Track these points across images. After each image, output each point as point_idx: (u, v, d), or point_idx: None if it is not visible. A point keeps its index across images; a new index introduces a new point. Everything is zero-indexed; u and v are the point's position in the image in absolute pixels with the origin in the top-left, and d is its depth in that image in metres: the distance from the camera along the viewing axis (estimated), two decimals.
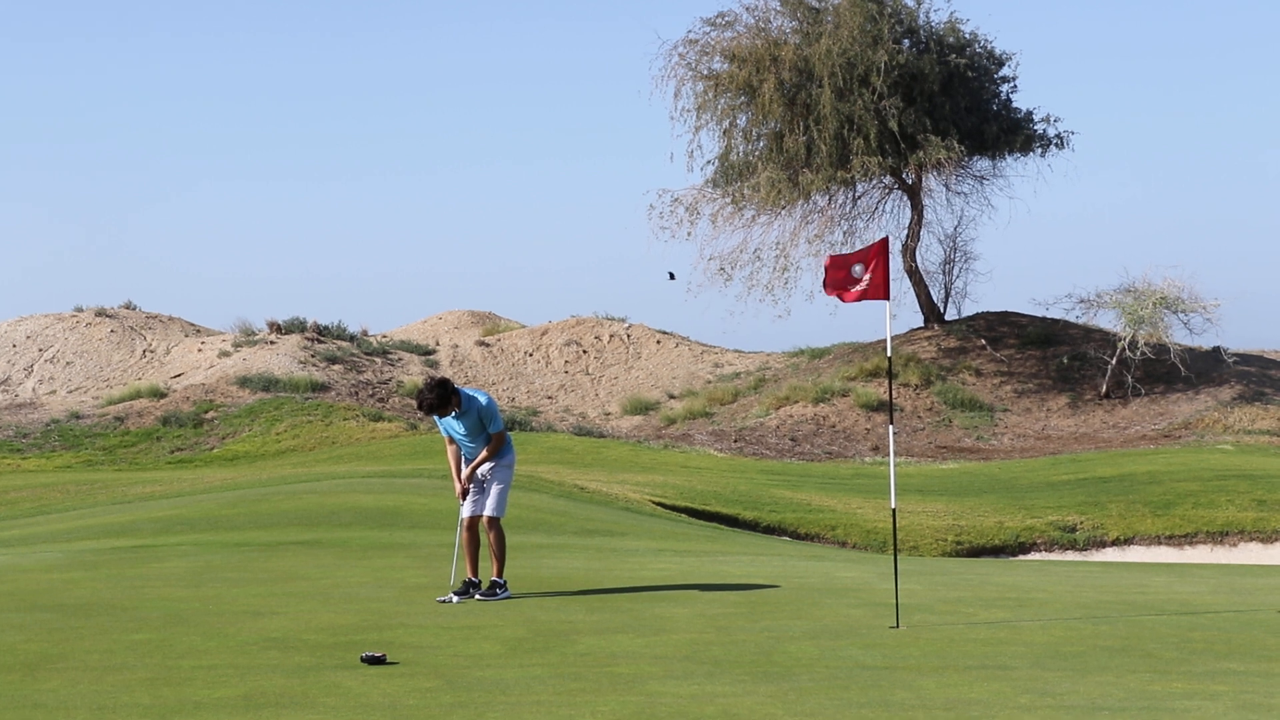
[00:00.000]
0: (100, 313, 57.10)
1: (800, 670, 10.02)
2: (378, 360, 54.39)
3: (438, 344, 57.30)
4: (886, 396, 12.25)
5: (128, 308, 58.57)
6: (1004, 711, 8.73)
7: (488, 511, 13.34)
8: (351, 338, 56.37)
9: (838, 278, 12.20)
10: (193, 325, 58.19)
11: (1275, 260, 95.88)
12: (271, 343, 54.18)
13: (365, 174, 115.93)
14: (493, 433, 13.32)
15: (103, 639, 11.18)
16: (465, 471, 13.40)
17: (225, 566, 15.42)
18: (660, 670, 9.98)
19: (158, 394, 49.54)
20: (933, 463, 40.76)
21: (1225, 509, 29.87)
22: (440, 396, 13.11)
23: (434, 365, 55.09)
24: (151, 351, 54.69)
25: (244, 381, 49.90)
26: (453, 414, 13.25)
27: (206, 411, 47.86)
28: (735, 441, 44.77)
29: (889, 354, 12.54)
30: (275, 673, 9.89)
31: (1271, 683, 9.65)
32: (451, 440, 13.43)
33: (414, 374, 53.62)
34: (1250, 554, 27.85)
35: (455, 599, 13.07)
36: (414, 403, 13.28)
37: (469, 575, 13.34)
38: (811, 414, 46.74)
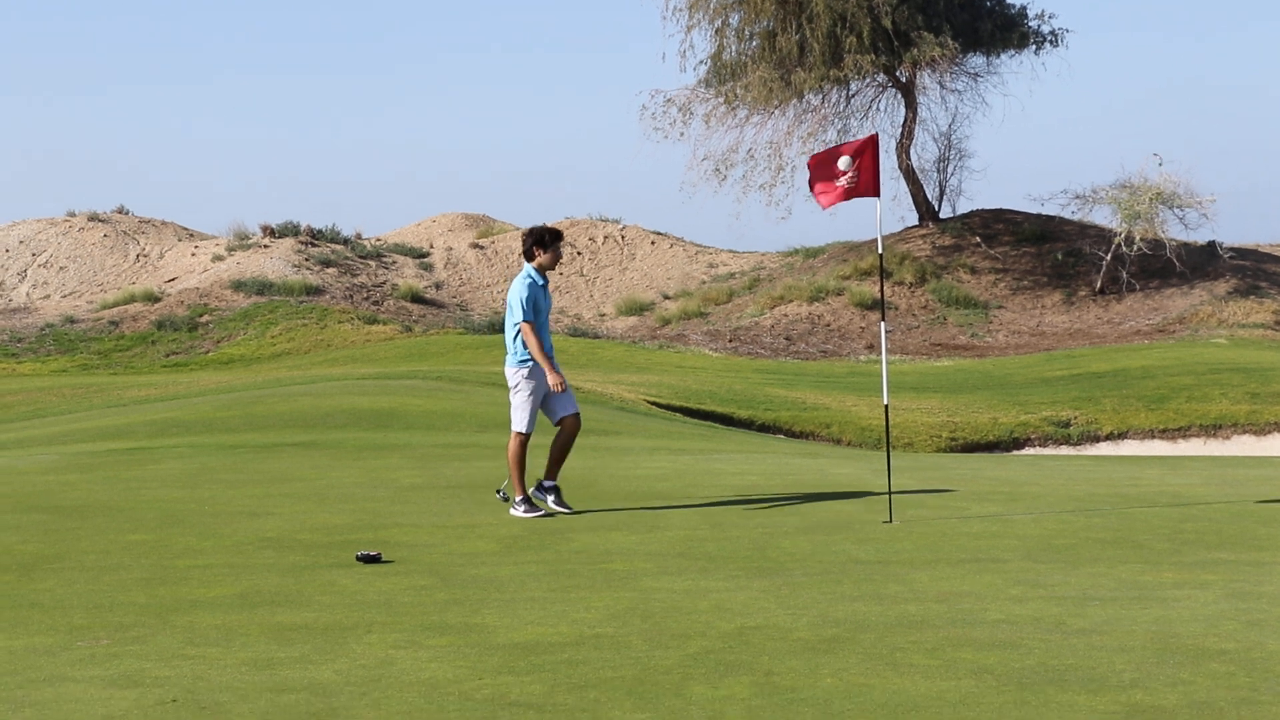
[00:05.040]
0: (93, 217, 56.88)
1: (793, 565, 10.07)
2: (372, 263, 54.27)
3: (432, 246, 57.14)
4: (880, 295, 12.31)
5: (120, 212, 58.35)
6: (996, 603, 8.79)
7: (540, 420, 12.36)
8: (345, 241, 56.21)
9: (823, 175, 12.06)
10: (186, 230, 58.00)
11: (1271, 155, 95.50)
12: (265, 246, 54.03)
13: (359, 77, 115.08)
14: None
15: (99, 540, 11.23)
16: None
17: (220, 468, 15.46)
18: (654, 566, 10.03)
19: (152, 298, 49.47)
20: (927, 360, 40.80)
21: (1219, 402, 29.95)
22: (557, 234, 12.23)
23: (428, 268, 54.99)
24: (145, 256, 54.55)
25: (238, 285, 49.81)
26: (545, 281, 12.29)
27: (201, 315, 47.82)
28: (730, 341, 44.79)
29: (880, 251, 12.49)
30: (270, 572, 9.94)
31: (1261, 571, 9.71)
32: (535, 321, 12.09)
33: (408, 277, 53.53)
34: (1243, 446, 27.96)
35: (557, 507, 12.28)
36: (530, 240, 12.16)
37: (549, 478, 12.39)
38: (806, 313, 46.72)
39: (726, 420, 27.64)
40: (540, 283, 12.23)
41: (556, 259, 12.35)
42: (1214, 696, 6.72)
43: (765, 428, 27.30)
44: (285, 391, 25.74)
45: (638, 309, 50.88)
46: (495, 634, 8.11)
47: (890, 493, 12.35)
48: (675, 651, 7.67)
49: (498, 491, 12.70)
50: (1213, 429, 28.98)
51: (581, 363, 37.04)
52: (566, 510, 12.24)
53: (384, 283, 52.57)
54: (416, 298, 51.73)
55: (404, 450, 16.84)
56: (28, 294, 51.95)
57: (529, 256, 12.28)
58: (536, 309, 12.14)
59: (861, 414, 28.15)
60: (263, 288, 49.51)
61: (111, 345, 45.91)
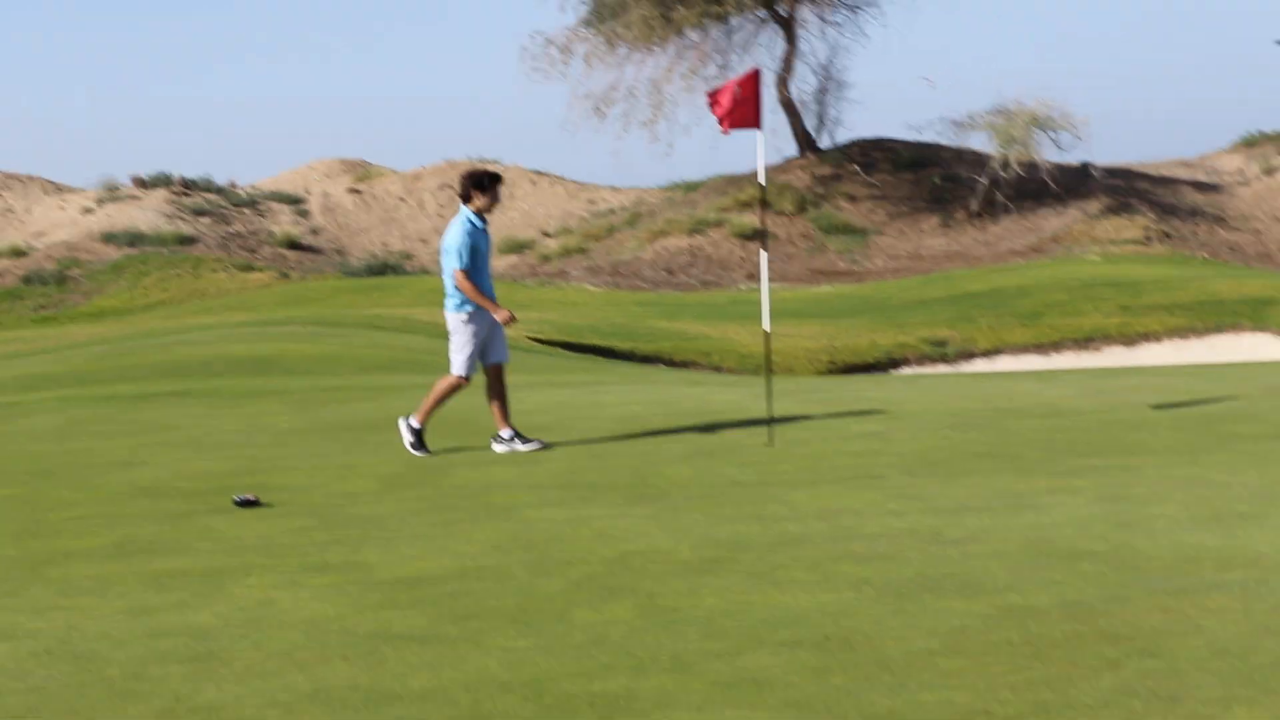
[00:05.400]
0: None
1: (675, 490, 10.12)
2: (247, 211, 53.55)
3: (308, 193, 56.48)
4: (760, 224, 12.27)
5: None
6: (875, 518, 8.89)
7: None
8: (219, 190, 55.38)
9: (718, 106, 12.12)
10: (53, 184, 56.82)
11: (1142, 76, 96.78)
12: (137, 198, 53.10)
13: (227, 22, 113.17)
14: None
15: None
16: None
17: (93, 420, 15.22)
18: (535, 498, 10.03)
19: (19, 253, 48.49)
20: (807, 287, 41.06)
21: (1091, 316, 30.46)
22: (495, 177, 12.01)
23: (305, 215, 54.37)
24: (11, 211, 53.42)
25: (109, 238, 48.95)
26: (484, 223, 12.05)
27: (70, 269, 46.96)
28: (611, 276, 44.77)
29: (762, 181, 12.51)
30: (146, 520, 9.81)
31: (1129, 475, 9.90)
32: (473, 265, 11.89)
33: (284, 224, 52.89)
34: (1115, 357, 28.46)
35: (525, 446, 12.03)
36: (468, 183, 11.94)
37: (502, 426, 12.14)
38: (687, 245, 46.80)
39: (608, 353, 27.66)
40: (480, 226, 12.02)
41: (494, 202, 12.11)
42: (1085, 595, 6.85)
43: (647, 359, 27.36)
44: (160, 341, 25.37)
45: (518, 247, 50.69)
46: (377, 570, 8.08)
47: (770, 417, 12.42)
48: (558, 579, 7.68)
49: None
50: (1085, 342, 29.47)
51: None
52: (539, 445, 12.02)
53: (259, 230, 51.92)
54: (293, 244, 51.17)
55: (282, 395, 16.67)
56: None
57: (465, 199, 12.05)
58: (475, 253, 11.94)
59: (743, 341, 28.28)
60: (135, 239, 48.69)
61: None
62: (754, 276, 43.49)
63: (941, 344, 29.20)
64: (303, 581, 7.88)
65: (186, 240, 49.29)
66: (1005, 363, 28.38)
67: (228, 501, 10.18)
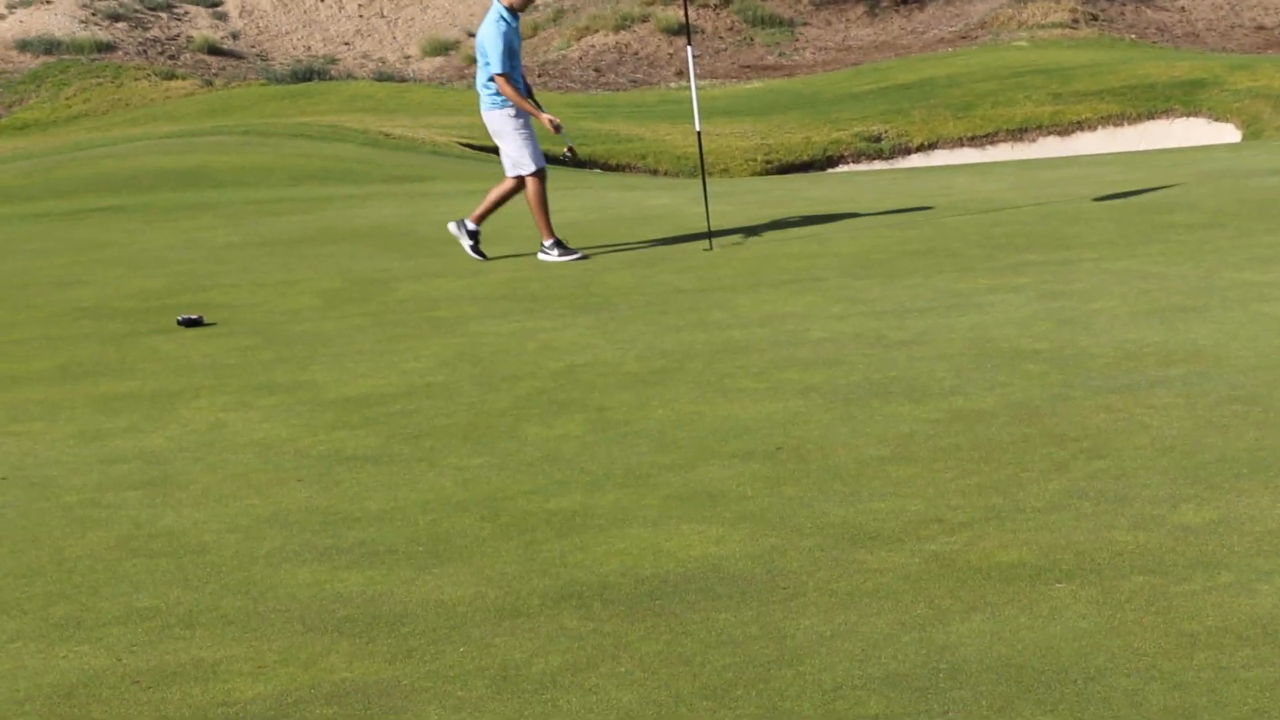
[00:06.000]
0: None
1: (618, 299, 10.14)
2: (163, 15, 52.33)
3: None
4: (684, 19, 12.22)
5: None
6: (818, 321, 8.96)
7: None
8: None
9: None
10: None
11: None
12: (48, 2, 51.76)
13: None
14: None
15: None
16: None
17: (26, 238, 15.02)
18: (480, 310, 10.03)
19: None
20: (737, 83, 40.76)
21: (1023, 105, 30.43)
22: None
23: (223, 18, 53.22)
24: None
25: (23, 45, 47.81)
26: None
27: None
28: (539, 76, 44.23)
29: None
30: (90, 341, 9.76)
31: (1069, 270, 10.00)
32: (508, 66, 11.44)
33: (203, 28, 51.77)
34: (1049, 148, 28.54)
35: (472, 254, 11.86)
36: None
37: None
38: (614, 42, 46.23)
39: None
40: (513, 24, 11.56)
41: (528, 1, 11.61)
42: (1030, 395, 6.97)
43: (581, 163, 27.16)
44: (87, 155, 24.96)
45: (442, 49, 49.90)
46: (325, 389, 8.09)
47: (708, 221, 12.39)
48: (506, 394, 7.73)
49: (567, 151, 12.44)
50: (1019, 133, 29.51)
51: (390, 108, 36.39)
52: (480, 258, 11.84)
53: (178, 35, 50.82)
54: (214, 49, 50.14)
55: (215, 209, 16.49)
56: None
57: None
58: (512, 53, 11.51)
59: (676, 142, 28.11)
60: (50, 46, 47.57)
61: None
62: (683, 74, 43.09)
63: (876, 139, 29.16)
64: (252, 402, 7.89)
65: (105, 47, 48.22)
66: (941, 157, 28.41)
67: (170, 321, 10.12)
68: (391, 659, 4.56)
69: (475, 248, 11.94)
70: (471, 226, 12.03)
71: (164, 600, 5.15)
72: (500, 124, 11.81)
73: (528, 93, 11.87)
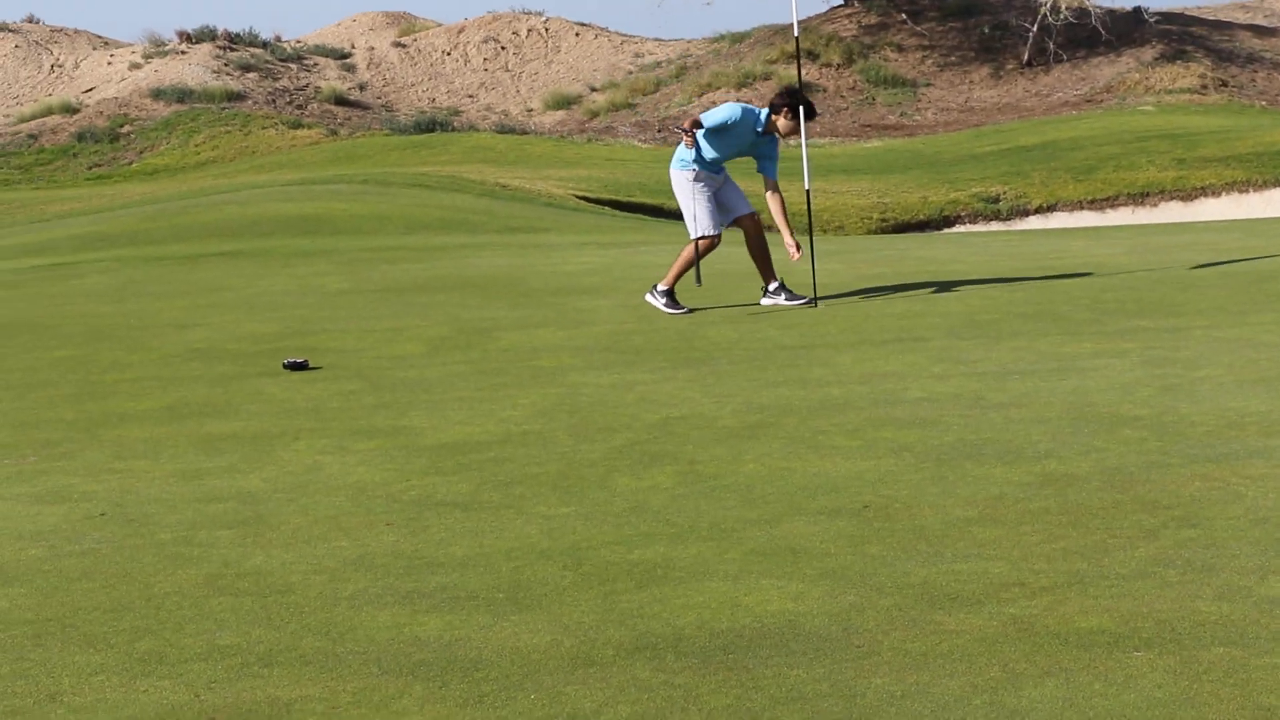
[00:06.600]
0: (2, 28, 55.51)
1: (719, 354, 10.15)
2: (293, 66, 53.32)
3: (353, 47, 56.16)
4: (799, 78, 12.18)
5: (30, 21, 56.92)
6: (918, 380, 8.91)
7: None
8: (265, 44, 55.11)
9: None
10: (100, 38, 56.69)
11: None
12: (183, 53, 52.95)
13: None
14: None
15: (25, 357, 11.18)
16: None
17: (147, 280, 15.35)
18: (581, 361, 10.09)
19: (70, 110, 48.55)
20: (857, 142, 40.73)
21: (1146, 170, 30.13)
22: (811, 110, 11.87)
23: (351, 69, 54.12)
24: (60, 66, 53.39)
25: (158, 94, 48.92)
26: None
27: (122, 126, 47.03)
28: (659, 132, 44.49)
29: (797, 34, 12.41)
30: (198, 383, 9.94)
31: (1177, 337, 9.87)
32: (717, 149, 11.79)
33: (331, 79, 52.68)
34: (1171, 213, 28.21)
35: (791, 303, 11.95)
36: (790, 101, 11.69)
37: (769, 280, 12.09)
38: (734, 99, 46.37)
39: (656, 211, 27.59)
40: (758, 132, 11.67)
41: (790, 134, 11.81)
42: (1125, 462, 6.88)
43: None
44: (210, 200, 25.48)
45: (565, 103, 50.37)
46: (422, 435, 8.18)
47: (814, 278, 12.38)
48: (600, 445, 7.76)
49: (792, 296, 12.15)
50: (1140, 197, 29.21)
51: (510, 160, 36.78)
52: (803, 301, 11.83)
53: (306, 86, 51.74)
54: (340, 100, 50.99)
55: (331, 255, 16.76)
56: None
57: (773, 110, 11.70)
58: (725, 139, 11.63)
59: (791, 199, 28.07)
60: (183, 95, 48.63)
61: (32, 159, 45.16)
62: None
63: (994, 200, 29.00)
64: (349, 446, 7.99)
65: (235, 96, 49.20)
66: (1060, 219, 28.18)
67: (278, 364, 10.29)
68: (463, 703, 4.59)
69: (671, 304, 11.81)
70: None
71: (245, 639, 5.22)
72: (680, 186, 11.88)
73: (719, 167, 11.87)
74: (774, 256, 12.37)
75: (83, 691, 4.81)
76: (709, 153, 11.76)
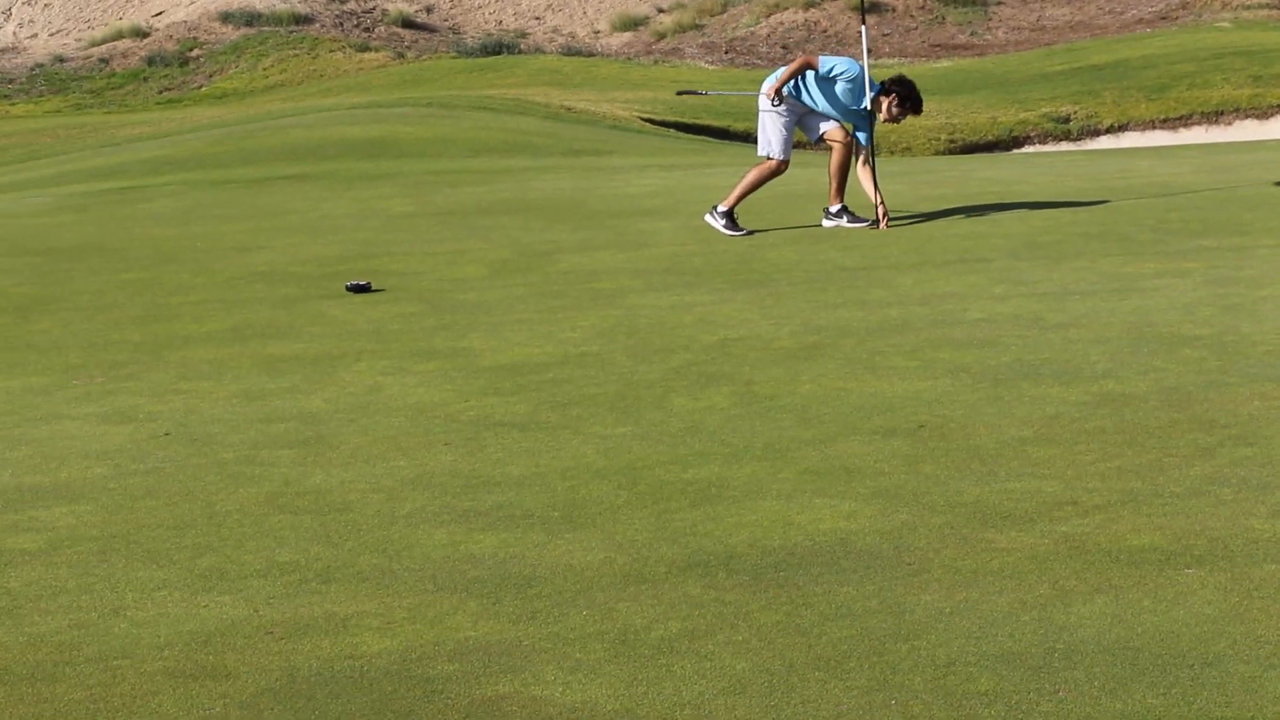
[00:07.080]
0: None
1: (779, 275, 10.14)
2: None
3: None
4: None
5: None
6: (978, 302, 8.88)
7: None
8: None
9: None
10: None
11: None
12: None
13: None
14: None
15: (93, 280, 11.32)
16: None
17: (212, 204, 15.47)
18: (641, 284, 10.11)
19: (140, 34, 48.77)
20: (926, 62, 40.31)
21: (1220, 88, 29.65)
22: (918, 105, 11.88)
23: None
24: None
25: (226, 17, 49.04)
26: None
27: (191, 50, 47.23)
28: (726, 53, 44.23)
29: None
30: (262, 305, 10.04)
31: (1242, 256, 9.76)
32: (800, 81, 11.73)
33: (398, 2, 52.61)
34: (1245, 131, 27.77)
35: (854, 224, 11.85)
36: (901, 90, 11.71)
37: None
38: (803, 19, 46.01)
39: (722, 134, 27.47)
40: (861, 104, 11.58)
41: (893, 120, 11.77)
42: (1183, 381, 6.84)
43: None
44: (277, 124, 25.56)
45: (632, 24, 50.09)
46: (482, 357, 8.23)
47: (876, 199, 12.29)
48: (658, 365, 7.79)
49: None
50: (1214, 115, 28.77)
51: (576, 82, 36.66)
52: (865, 223, 11.73)
53: (373, 9, 51.69)
54: (407, 23, 50.92)
55: (394, 179, 16.81)
56: (14, 33, 51.22)
57: (883, 91, 11.64)
58: (823, 89, 11.57)
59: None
60: (251, 18, 48.74)
61: (104, 84, 45.46)
62: (872, 50, 42.76)
63: (1065, 120, 28.66)
64: (409, 367, 8.07)
65: (302, 20, 49.25)
66: (1131, 139, 27.81)
67: (340, 287, 10.37)
68: (516, 620, 4.65)
69: (730, 225, 11.75)
70: (723, 209, 11.85)
71: (304, 555, 5.31)
72: (764, 103, 11.78)
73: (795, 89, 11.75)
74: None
75: (145, 606, 4.91)
76: (805, 94, 11.69)
